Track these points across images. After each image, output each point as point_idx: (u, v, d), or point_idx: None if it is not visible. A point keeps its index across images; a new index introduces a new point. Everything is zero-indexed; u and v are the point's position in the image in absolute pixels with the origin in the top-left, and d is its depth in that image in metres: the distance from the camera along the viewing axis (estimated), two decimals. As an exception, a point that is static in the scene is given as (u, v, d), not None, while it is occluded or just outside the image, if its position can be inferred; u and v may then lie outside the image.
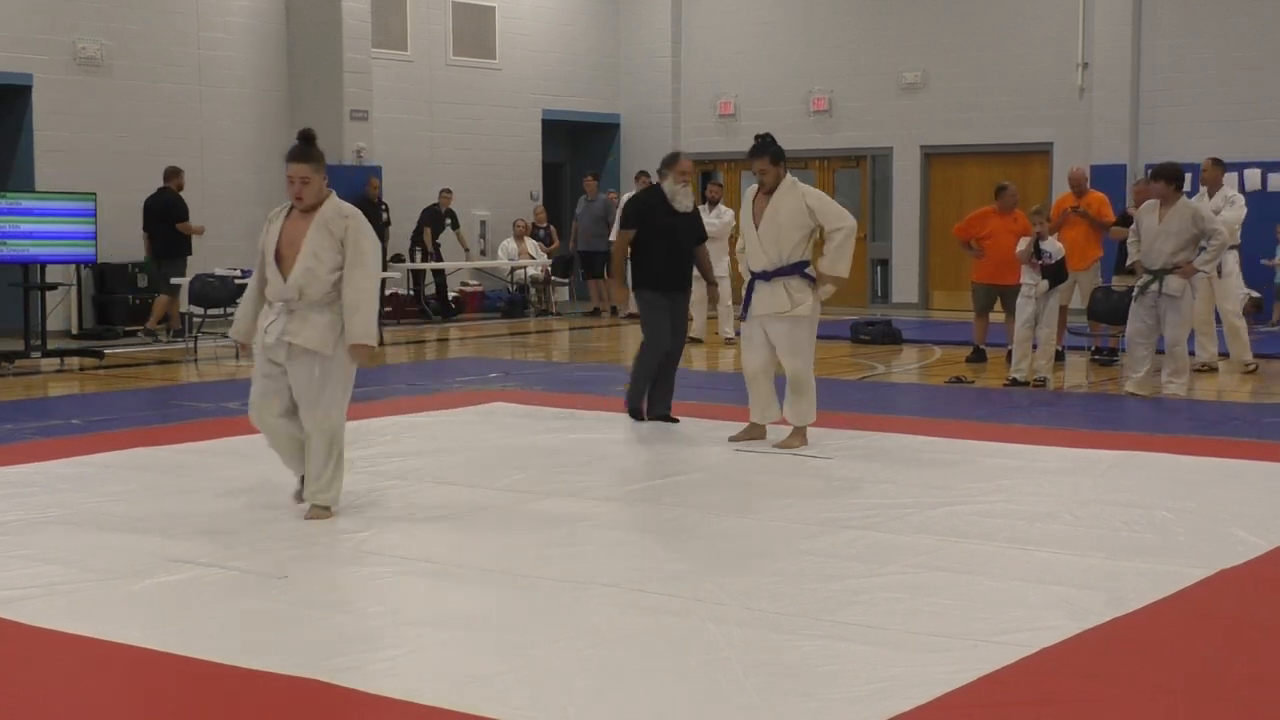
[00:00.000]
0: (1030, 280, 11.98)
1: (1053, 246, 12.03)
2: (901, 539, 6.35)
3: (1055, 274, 12.06)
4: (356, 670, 4.54)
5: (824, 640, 4.83)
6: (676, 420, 9.65)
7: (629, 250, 9.75)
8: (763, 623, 5.05)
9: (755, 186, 8.81)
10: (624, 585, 5.55)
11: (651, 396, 9.75)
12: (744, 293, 8.81)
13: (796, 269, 8.60)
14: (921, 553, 6.09)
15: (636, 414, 9.75)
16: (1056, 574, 5.74)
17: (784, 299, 8.57)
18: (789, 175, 8.75)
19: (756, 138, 8.75)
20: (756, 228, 8.63)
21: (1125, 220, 13.11)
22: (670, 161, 9.73)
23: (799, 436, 8.74)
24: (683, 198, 9.57)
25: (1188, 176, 11.93)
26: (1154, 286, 11.01)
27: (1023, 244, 12.13)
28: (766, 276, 8.61)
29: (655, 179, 9.96)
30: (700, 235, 9.78)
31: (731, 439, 8.89)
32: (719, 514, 6.90)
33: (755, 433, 8.94)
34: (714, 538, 6.41)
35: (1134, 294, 11.30)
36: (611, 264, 10.67)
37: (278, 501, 7.09)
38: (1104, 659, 4.70)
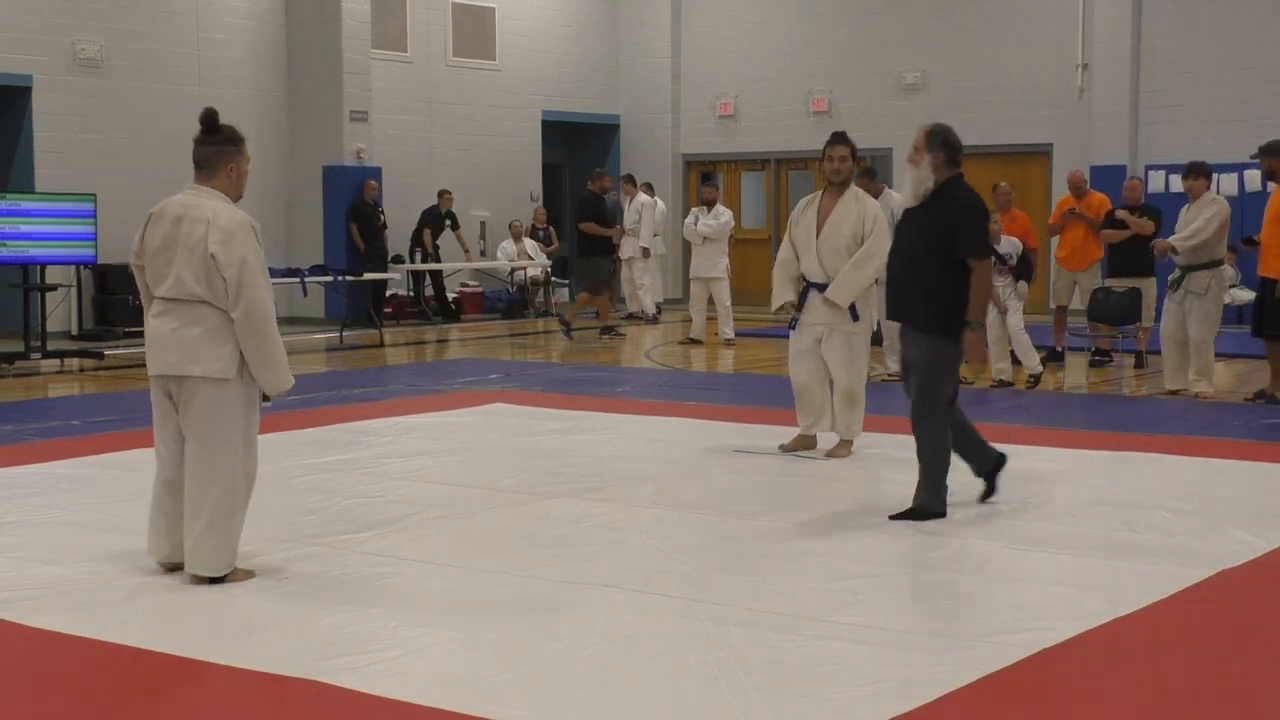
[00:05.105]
0: (996, 283, 11.92)
1: (1010, 246, 11.97)
2: (902, 539, 6.36)
3: (1019, 272, 12.02)
4: (356, 670, 4.54)
5: (824, 640, 4.83)
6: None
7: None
8: (763, 623, 5.05)
9: (813, 196, 8.45)
10: (624, 585, 5.56)
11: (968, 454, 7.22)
12: (798, 300, 8.42)
13: None
14: (922, 553, 6.09)
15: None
16: (1056, 574, 5.74)
17: (843, 311, 8.33)
18: (853, 186, 8.43)
19: (834, 133, 8.43)
20: (818, 238, 8.34)
21: (1114, 223, 12.96)
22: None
23: (846, 447, 8.51)
24: (910, 183, 6.90)
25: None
26: (1184, 282, 11.04)
27: None
28: (823, 288, 8.34)
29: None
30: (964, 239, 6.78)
31: (782, 447, 8.60)
32: (719, 514, 6.90)
33: (807, 442, 8.62)
34: (714, 538, 6.41)
35: (1168, 292, 11.30)
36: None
37: (277, 502, 7.08)
38: (1104, 659, 4.70)
